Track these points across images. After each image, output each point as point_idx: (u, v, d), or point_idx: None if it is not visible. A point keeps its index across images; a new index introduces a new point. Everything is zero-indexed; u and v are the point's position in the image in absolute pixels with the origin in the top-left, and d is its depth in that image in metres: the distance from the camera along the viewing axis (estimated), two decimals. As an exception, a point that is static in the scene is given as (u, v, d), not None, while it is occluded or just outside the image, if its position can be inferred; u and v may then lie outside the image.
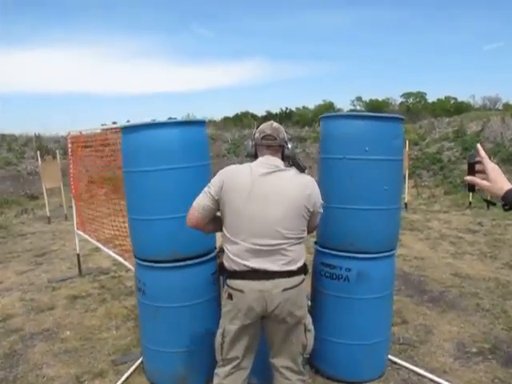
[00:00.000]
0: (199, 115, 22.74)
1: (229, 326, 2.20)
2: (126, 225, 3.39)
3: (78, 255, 5.88)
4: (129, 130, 2.81)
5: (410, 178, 11.72)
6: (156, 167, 2.70)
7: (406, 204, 10.38)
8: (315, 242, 3.25)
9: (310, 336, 2.33)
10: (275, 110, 36.43)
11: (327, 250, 3.07)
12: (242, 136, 18.92)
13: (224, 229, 2.21)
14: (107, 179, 5.36)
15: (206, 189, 2.20)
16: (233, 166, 2.26)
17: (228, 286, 2.19)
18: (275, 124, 2.30)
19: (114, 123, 4.71)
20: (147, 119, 2.84)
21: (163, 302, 2.88)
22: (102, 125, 5.06)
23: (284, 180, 2.17)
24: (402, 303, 4.59)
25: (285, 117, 35.48)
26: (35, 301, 4.97)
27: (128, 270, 5.15)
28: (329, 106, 38.18)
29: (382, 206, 2.94)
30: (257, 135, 2.27)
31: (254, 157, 2.29)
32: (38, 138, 17.43)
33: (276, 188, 2.13)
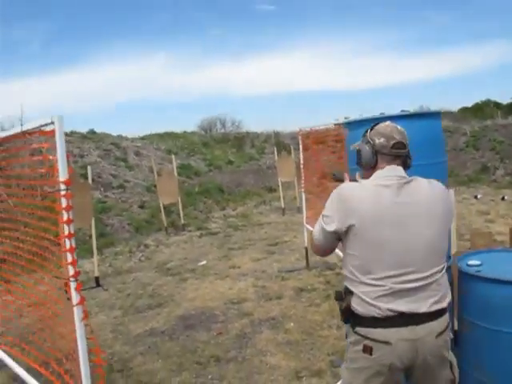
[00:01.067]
0: (434, 107, 21.11)
1: None
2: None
3: (306, 248, 6.05)
4: (354, 125, 2.66)
5: None
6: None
7: None
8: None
9: (456, 369, 1.86)
10: (526, 96, 31.52)
11: None
12: (483, 128, 16.93)
13: (351, 267, 1.74)
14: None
15: (321, 221, 1.81)
16: (351, 186, 1.80)
17: (363, 336, 1.72)
18: (399, 126, 1.83)
19: (346, 118, 4.74)
20: (377, 113, 2.62)
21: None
22: (336, 120, 5.13)
23: (424, 193, 1.74)
24: None
25: (541, 104, 30.49)
26: (265, 288, 5.31)
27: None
28: None
29: None
30: (380, 140, 1.78)
31: (372, 168, 1.81)
32: (277, 134, 18.90)
33: (420, 206, 1.71)
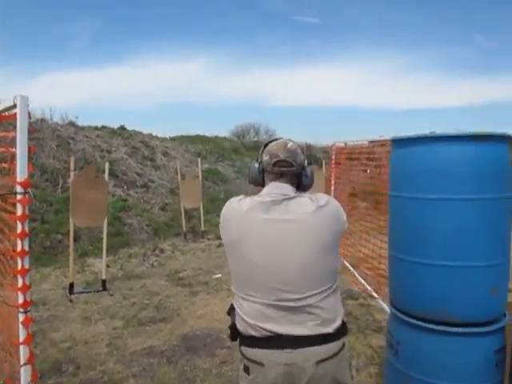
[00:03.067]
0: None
1: None
2: (383, 245, 2.93)
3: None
4: (402, 143, 2.20)
5: None
6: (435, 195, 2.01)
7: None
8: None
9: None
10: None
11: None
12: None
13: (233, 281, 1.74)
14: (369, 193, 5.10)
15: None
16: (233, 201, 1.76)
17: (243, 355, 1.68)
18: (291, 144, 1.78)
19: (381, 137, 4.47)
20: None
21: (419, 373, 2.17)
22: (372, 141, 4.89)
23: (300, 210, 1.64)
24: None
25: None
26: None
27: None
28: None
29: None
30: (266, 158, 1.77)
31: (261, 185, 1.81)
32: (309, 147, 18.43)
33: (292, 223, 1.62)
